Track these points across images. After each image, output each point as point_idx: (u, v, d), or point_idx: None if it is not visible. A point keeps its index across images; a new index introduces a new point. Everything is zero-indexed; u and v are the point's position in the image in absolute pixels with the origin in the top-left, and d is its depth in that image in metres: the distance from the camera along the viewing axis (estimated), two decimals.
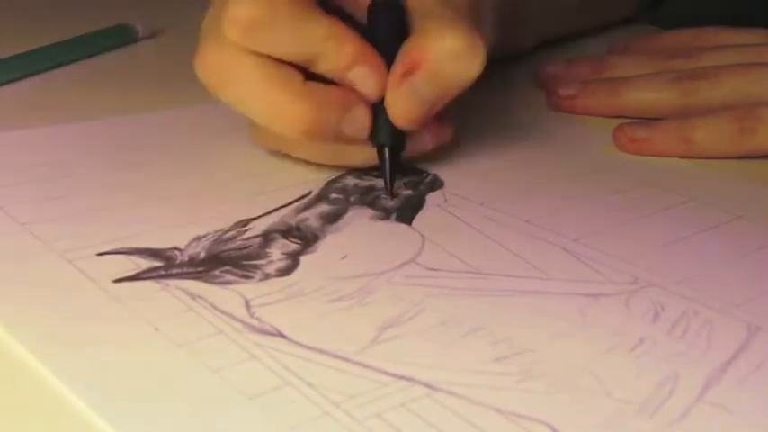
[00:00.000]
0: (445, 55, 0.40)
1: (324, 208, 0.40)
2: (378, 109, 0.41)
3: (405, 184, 0.43)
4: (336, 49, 0.40)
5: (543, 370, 0.30)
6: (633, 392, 0.29)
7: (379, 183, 0.42)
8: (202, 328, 0.31)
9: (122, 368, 0.29)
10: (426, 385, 0.29)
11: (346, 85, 0.41)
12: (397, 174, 0.42)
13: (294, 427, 0.27)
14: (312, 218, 0.39)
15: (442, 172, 0.44)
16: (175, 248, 0.36)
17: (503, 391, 0.29)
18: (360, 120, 0.41)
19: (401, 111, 0.40)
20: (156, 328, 0.31)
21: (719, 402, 0.29)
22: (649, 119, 0.50)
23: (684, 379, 0.30)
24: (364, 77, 0.40)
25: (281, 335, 0.31)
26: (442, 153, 0.46)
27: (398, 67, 0.40)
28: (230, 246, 0.37)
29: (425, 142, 0.44)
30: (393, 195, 0.42)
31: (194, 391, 0.28)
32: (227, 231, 0.38)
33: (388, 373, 0.30)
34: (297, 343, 0.31)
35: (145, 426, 0.27)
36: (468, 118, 0.51)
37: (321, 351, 0.30)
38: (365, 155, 0.42)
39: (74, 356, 0.30)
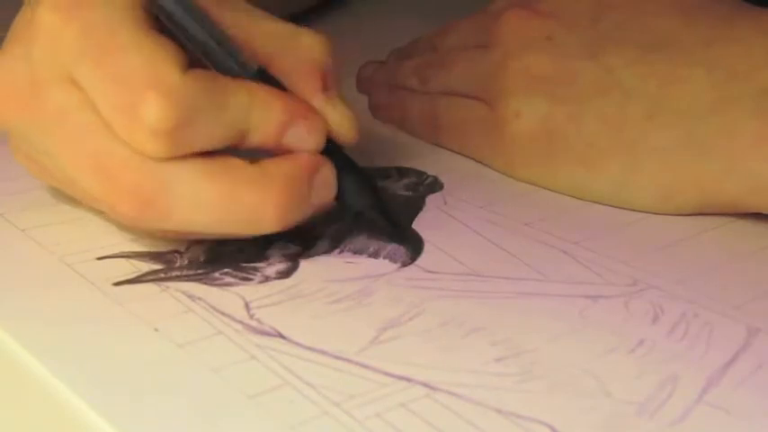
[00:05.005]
0: (322, 50, 0.37)
1: None
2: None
3: (405, 185, 0.43)
4: (265, 117, 0.34)
5: (543, 370, 0.30)
6: (633, 393, 0.29)
7: (380, 183, 0.42)
8: (202, 329, 0.32)
9: (122, 368, 0.29)
10: (426, 385, 0.29)
11: (283, 151, 0.35)
12: (391, 216, 0.38)
13: (294, 426, 0.27)
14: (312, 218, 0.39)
15: (442, 174, 0.44)
16: (175, 251, 0.36)
17: (503, 392, 0.29)
18: (329, 179, 0.36)
19: (348, 123, 0.37)
20: (156, 329, 0.31)
21: (719, 404, 0.29)
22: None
23: (684, 380, 0.30)
24: (304, 135, 0.35)
25: (281, 336, 0.31)
26: (442, 155, 0.46)
27: (314, 89, 0.36)
28: (230, 248, 0.37)
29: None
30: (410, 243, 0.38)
31: (194, 391, 0.28)
32: None
33: (387, 374, 0.30)
34: (297, 343, 0.31)
35: (145, 425, 0.27)
36: None
37: (321, 351, 0.31)
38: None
39: (74, 357, 0.30)
